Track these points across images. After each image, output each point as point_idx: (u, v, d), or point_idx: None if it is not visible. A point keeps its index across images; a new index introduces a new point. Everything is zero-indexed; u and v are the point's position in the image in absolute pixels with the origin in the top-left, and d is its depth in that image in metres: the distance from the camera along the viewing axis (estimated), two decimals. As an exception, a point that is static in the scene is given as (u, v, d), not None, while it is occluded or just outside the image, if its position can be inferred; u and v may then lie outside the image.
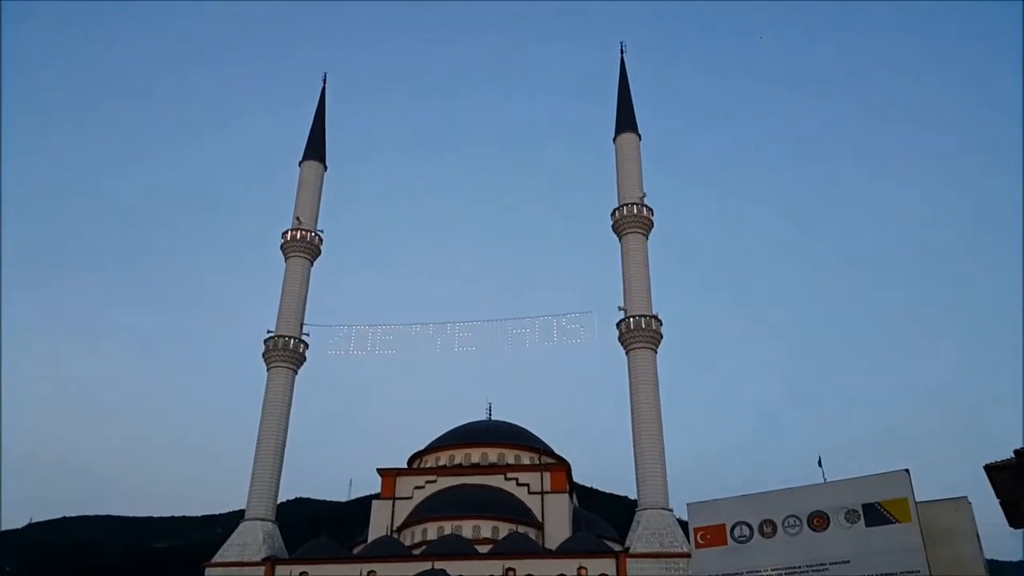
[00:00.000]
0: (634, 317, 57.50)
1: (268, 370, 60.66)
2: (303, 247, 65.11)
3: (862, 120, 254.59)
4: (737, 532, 14.82)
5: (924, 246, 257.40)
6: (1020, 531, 23.34)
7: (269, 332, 61.80)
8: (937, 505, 17.39)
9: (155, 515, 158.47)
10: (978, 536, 18.37)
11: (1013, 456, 20.83)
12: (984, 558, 18.06)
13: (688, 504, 16.25)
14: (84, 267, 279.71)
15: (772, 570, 14.20)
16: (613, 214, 62.95)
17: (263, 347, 61.33)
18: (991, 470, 22.13)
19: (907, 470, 14.40)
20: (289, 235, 65.50)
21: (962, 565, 16.72)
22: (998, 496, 23.23)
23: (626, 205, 62.20)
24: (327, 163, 70.82)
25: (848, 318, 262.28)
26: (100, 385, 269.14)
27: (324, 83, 73.73)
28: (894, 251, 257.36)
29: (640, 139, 65.93)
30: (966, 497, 19.41)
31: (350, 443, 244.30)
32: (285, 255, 65.22)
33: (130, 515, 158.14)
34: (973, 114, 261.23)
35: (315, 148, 70.38)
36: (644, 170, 64.63)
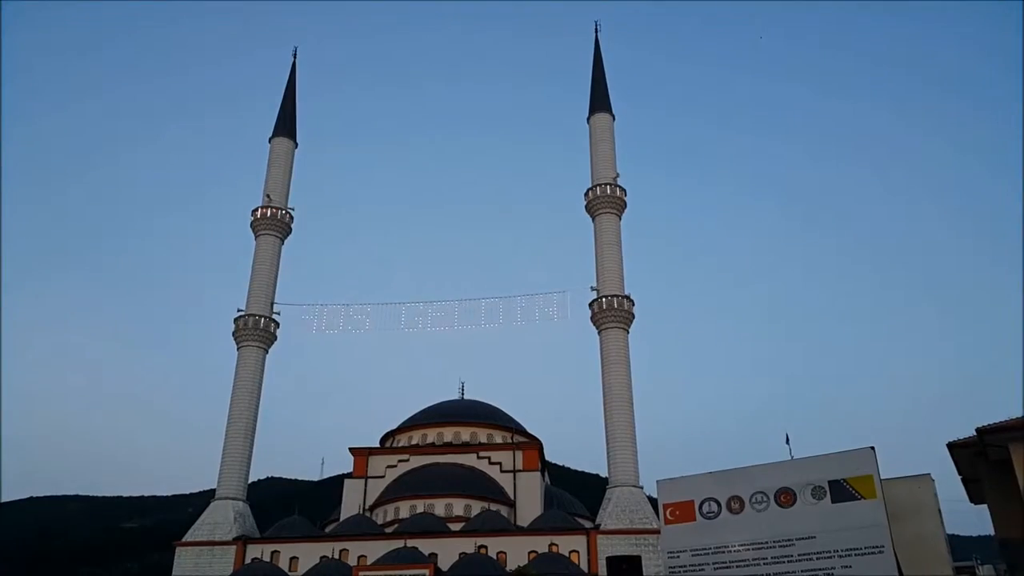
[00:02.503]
0: (606, 297, 57.68)
1: (238, 349, 60.00)
2: (273, 225, 64.23)
3: (841, 106, 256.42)
4: (705, 508, 14.92)
5: (892, 231, 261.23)
6: (981, 507, 23.92)
7: (239, 311, 61.06)
8: (901, 482, 17.70)
9: (124, 495, 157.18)
10: (940, 512, 18.76)
11: (975, 434, 21.25)
12: (946, 533, 18.46)
13: (657, 481, 16.34)
14: (53, 252, 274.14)
15: (740, 546, 14.33)
16: (586, 194, 62.87)
17: (233, 326, 60.63)
18: (953, 448, 22.59)
19: (872, 447, 14.59)
20: (259, 212, 64.54)
21: (925, 540, 17.07)
22: (960, 473, 23.75)
23: (599, 185, 62.13)
24: (300, 142, 69.83)
25: (817, 299, 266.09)
26: (66, 364, 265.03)
27: (295, 58, 72.54)
28: (864, 235, 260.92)
29: (614, 119, 65.74)
30: (929, 474, 19.79)
31: (322, 422, 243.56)
32: (255, 233, 64.29)
33: (99, 495, 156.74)
34: (961, 104, 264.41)
35: (286, 124, 69.22)
36: (619, 152, 64.59)
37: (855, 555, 13.43)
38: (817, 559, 13.62)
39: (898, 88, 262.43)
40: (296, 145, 69.30)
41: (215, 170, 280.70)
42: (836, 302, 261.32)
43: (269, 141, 68.50)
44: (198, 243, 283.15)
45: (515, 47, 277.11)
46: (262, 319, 60.63)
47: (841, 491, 14.02)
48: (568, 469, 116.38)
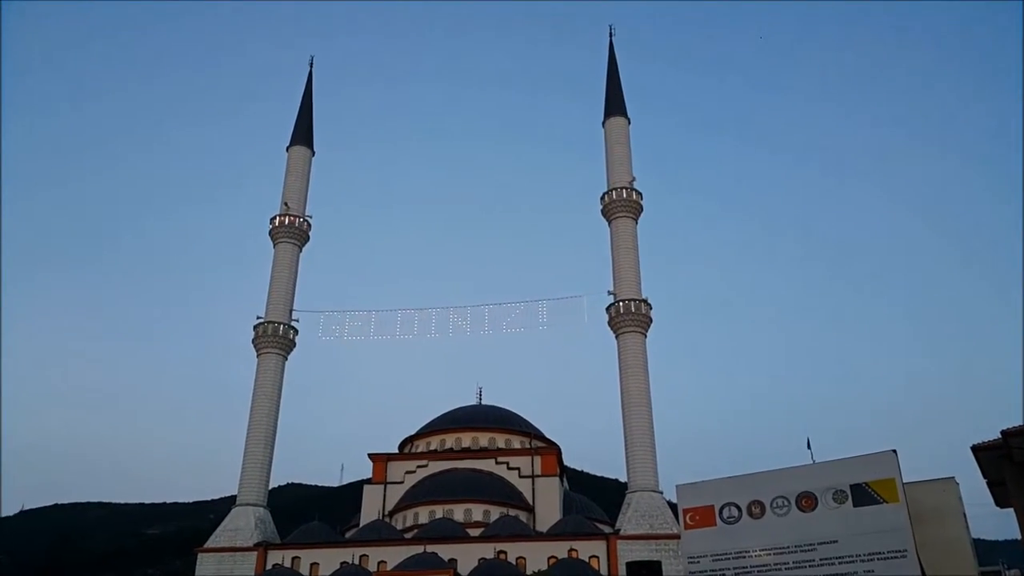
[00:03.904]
0: (623, 301, 57.49)
1: (258, 356, 60.43)
2: (292, 233, 64.71)
3: (849, 116, 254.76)
4: (726, 513, 14.84)
5: (909, 236, 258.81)
6: (1007, 510, 23.57)
7: (258, 318, 61.52)
8: (926, 485, 17.52)
9: (146, 501, 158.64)
10: (965, 516, 18.52)
11: (1000, 436, 20.98)
12: (971, 537, 18.22)
13: (677, 485, 16.28)
14: (72, 257, 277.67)
15: (761, 550, 14.23)
16: (602, 198, 62.76)
17: (252, 333, 61.08)
18: (978, 451, 22.29)
19: (894, 451, 14.44)
20: (277, 221, 65.06)
21: (950, 544, 16.87)
22: (984, 476, 23.42)
23: (615, 189, 62.00)
24: (315, 148, 70.29)
25: (836, 302, 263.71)
26: (90, 373, 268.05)
27: (311, 67, 73.02)
28: (882, 239, 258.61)
29: (629, 123, 65.64)
30: (953, 478, 19.54)
31: (341, 428, 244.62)
32: (274, 241, 64.81)
33: (121, 502, 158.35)
34: (965, 107, 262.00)
35: (303, 133, 69.76)
36: (634, 156, 64.39)
37: (877, 559, 13.28)
38: (839, 563, 13.48)
39: (906, 98, 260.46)
40: (313, 153, 69.80)
41: (232, 174, 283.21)
42: (857, 305, 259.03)
43: (287, 150, 69.06)
44: (217, 248, 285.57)
45: (530, 51, 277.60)
46: (281, 326, 61.03)
47: (863, 495, 13.87)
48: (586, 474, 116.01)
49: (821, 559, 13.81)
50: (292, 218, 65.00)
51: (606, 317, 58.22)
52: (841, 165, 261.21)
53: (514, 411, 67.84)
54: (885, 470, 14.05)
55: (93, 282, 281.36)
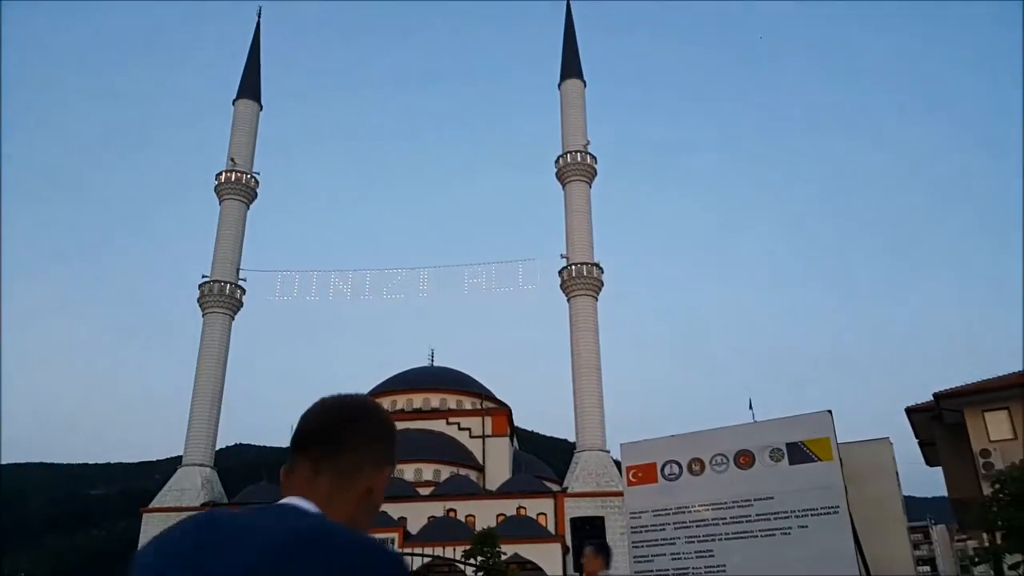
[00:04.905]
0: (576, 265, 57.74)
1: (203, 315, 59.26)
2: (238, 189, 63.10)
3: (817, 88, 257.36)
4: (667, 470, 14.95)
5: (860, 197, 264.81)
6: (936, 469, 24.56)
7: (204, 277, 60.22)
8: (861, 445, 18.02)
9: (90, 461, 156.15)
10: (897, 474, 19.19)
11: (932, 399, 21.71)
12: (902, 494, 18.90)
13: (621, 444, 16.42)
14: (9, 209, 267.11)
15: (699, 506, 14.44)
16: (557, 161, 62.57)
17: (198, 292, 59.79)
18: (911, 412, 23.09)
19: (830, 411, 14.72)
20: (223, 177, 63.32)
21: (882, 501, 17.45)
22: (917, 436, 24.33)
23: (570, 152, 61.80)
24: (263, 102, 68.29)
25: (780, 271, 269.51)
26: (29, 330, 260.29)
27: (259, 17, 70.65)
28: (833, 201, 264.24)
29: (585, 85, 65.24)
30: (888, 438, 20.23)
31: (290, 389, 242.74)
32: (219, 197, 63.14)
33: (64, 462, 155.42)
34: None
35: (250, 86, 67.64)
36: (590, 119, 64.06)
37: (811, 515, 13.56)
38: (774, 519, 13.73)
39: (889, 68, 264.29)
40: (261, 107, 67.84)
41: (179, 131, 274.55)
42: (807, 275, 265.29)
43: (233, 103, 66.97)
44: (165, 207, 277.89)
45: (487, 10, 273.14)
46: (228, 285, 59.83)
47: (798, 453, 14.09)
48: (537, 434, 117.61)
49: (757, 514, 14.03)
50: (238, 174, 63.31)
51: (558, 280, 58.48)
52: (803, 120, 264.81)
53: (466, 373, 68.13)
54: (820, 429, 14.27)
55: (23, 232, 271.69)
